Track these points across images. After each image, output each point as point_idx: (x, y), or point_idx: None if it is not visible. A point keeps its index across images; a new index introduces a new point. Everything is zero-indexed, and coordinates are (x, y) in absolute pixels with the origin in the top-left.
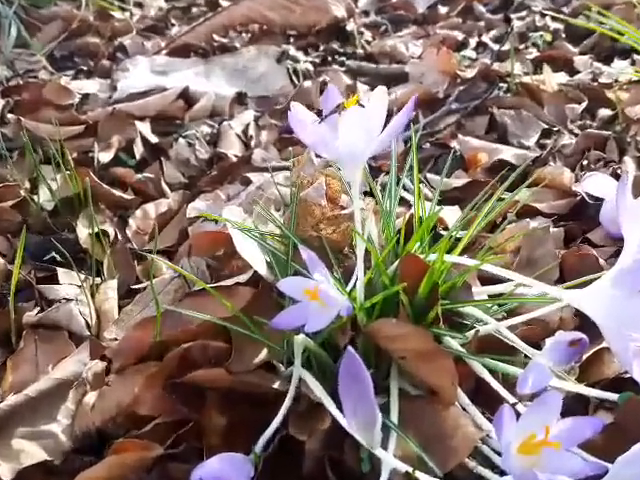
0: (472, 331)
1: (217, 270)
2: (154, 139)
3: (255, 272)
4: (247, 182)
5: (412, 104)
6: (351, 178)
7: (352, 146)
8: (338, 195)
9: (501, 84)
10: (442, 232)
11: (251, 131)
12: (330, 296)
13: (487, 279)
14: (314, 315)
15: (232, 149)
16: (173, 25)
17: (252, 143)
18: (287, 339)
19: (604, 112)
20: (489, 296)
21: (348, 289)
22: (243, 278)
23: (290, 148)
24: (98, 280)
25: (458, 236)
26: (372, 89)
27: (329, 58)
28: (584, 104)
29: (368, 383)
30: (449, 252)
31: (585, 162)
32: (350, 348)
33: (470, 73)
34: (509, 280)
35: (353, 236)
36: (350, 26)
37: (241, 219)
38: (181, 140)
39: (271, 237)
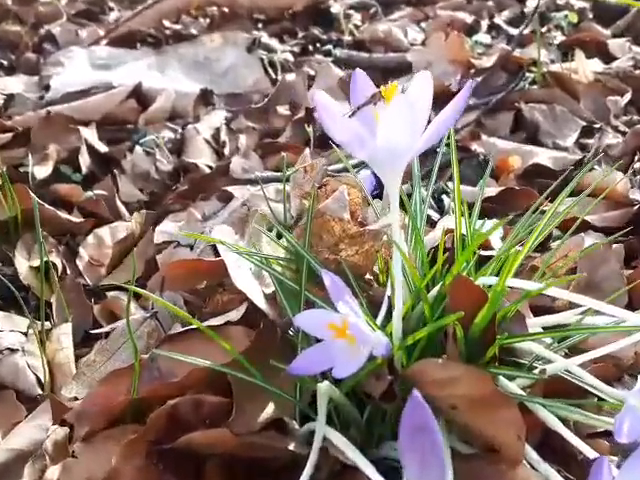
0: (537, 371)
1: (197, 307)
2: (103, 148)
3: (249, 308)
4: (227, 198)
5: (467, 91)
6: (390, 183)
7: (395, 143)
8: (359, 208)
9: (526, 74)
10: (482, 252)
11: (223, 136)
12: (362, 332)
13: (537, 308)
14: (342, 356)
15: (202, 158)
16: (111, 9)
17: (226, 150)
18: (302, 388)
19: None
20: (547, 328)
21: (378, 321)
22: (234, 315)
23: (283, 154)
24: (47, 325)
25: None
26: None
27: (310, 47)
28: (628, 95)
29: (438, 436)
30: (496, 275)
31: (638, 164)
32: (416, 393)
33: (487, 62)
34: (564, 309)
35: (378, 258)
36: (335, 8)
37: (233, 241)
38: (137, 149)
39: (275, 262)
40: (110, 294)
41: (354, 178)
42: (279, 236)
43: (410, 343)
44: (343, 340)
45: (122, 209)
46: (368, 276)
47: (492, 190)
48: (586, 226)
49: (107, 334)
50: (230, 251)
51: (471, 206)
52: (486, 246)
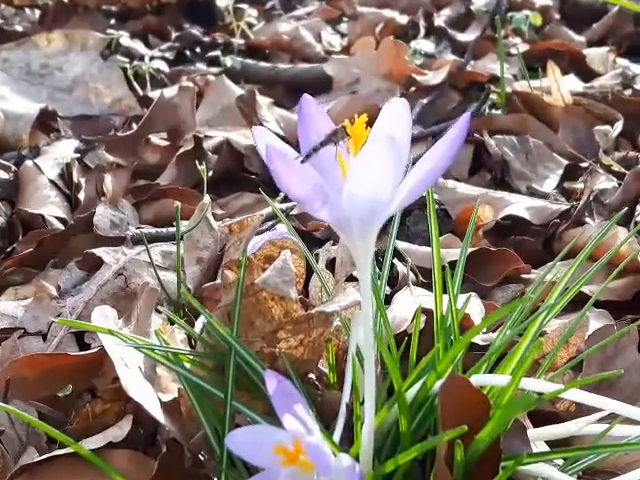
0: None
1: (58, 423)
2: None
3: (137, 421)
4: (93, 264)
5: (465, 125)
6: (359, 251)
7: (370, 198)
8: (299, 282)
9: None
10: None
11: (76, 175)
12: (323, 456)
13: (534, 413)
14: None
15: (48, 207)
16: None
17: (81, 196)
18: None
19: None
20: (553, 442)
21: (335, 440)
22: (117, 434)
23: (177, 203)
24: None
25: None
26: (278, 103)
27: (188, 52)
28: (619, 124)
29: None
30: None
31: None
32: None
33: (434, 78)
34: (567, 414)
35: (328, 349)
36: (221, 1)
37: (116, 327)
38: None
39: (185, 358)
40: None
41: (294, 240)
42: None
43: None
44: (294, 468)
45: None
46: (314, 374)
47: (457, 252)
48: (583, 298)
49: None
50: (117, 342)
51: (429, 274)
52: (465, 326)
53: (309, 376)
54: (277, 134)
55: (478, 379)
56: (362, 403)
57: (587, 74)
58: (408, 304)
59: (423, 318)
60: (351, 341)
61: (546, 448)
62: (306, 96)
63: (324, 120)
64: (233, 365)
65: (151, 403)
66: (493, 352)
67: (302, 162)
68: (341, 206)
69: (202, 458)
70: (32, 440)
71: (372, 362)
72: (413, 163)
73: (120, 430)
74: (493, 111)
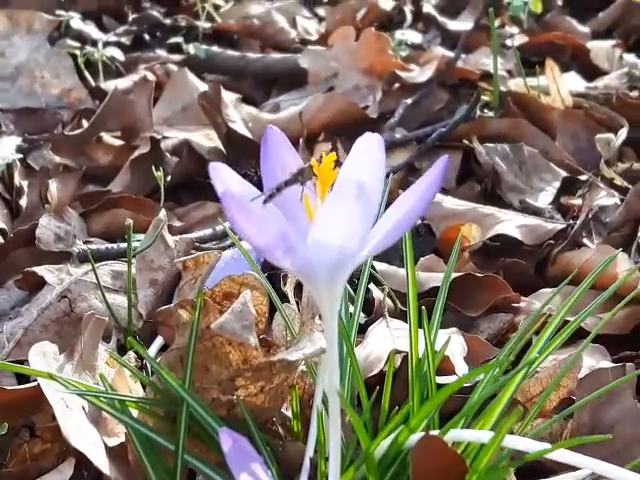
0: None
1: None
2: None
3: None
4: (34, 284)
5: (443, 168)
6: (325, 301)
7: (337, 247)
8: (262, 321)
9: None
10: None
11: (18, 178)
12: None
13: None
14: None
15: None
16: None
17: (22, 202)
18: None
19: None
20: None
21: None
22: None
23: (129, 220)
24: None
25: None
26: (246, 97)
27: (147, 37)
28: (623, 131)
29: None
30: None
31: None
32: None
33: (420, 75)
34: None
35: (292, 396)
36: None
37: (57, 364)
38: None
39: (135, 407)
40: None
41: (256, 276)
42: (122, 348)
43: None
44: None
45: None
46: (274, 423)
47: (439, 277)
48: (579, 332)
49: None
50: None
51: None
52: (445, 369)
53: (270, 425)
54: (244, 136)
55: (456, 434)
56: (327, 459)
57: (590, 71)
58: (383, 339)
59: (398, 360)
60: (316, 392)
61: None
62: (272, 127)
63: (290, 154)
64: (185, 416)
65: (95, 451)
66: (471, 406)
67: (264, 202)
68: (306, 254)
69: None
70: None
71: (337, 423)
72: (393, 173)
73: (60, 475)
74: (485, 112)
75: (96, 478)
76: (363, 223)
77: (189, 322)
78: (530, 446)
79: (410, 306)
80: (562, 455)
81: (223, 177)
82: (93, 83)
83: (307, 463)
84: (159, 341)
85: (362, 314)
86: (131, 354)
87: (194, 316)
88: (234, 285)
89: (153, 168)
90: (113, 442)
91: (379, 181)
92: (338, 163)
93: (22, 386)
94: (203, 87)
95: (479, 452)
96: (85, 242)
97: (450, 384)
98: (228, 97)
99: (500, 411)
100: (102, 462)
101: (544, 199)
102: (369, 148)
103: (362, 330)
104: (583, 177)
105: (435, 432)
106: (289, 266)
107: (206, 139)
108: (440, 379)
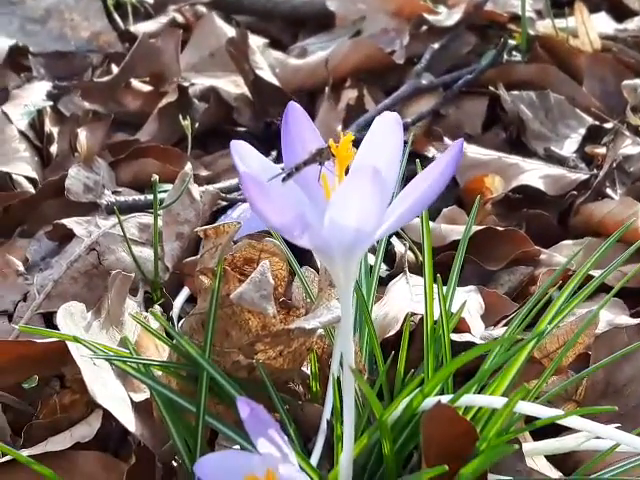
0: None
1: (23, 416)
2: None
3: (106, 417)
4: (63, 235)
5: (458, 152)
6: (341, 279)
7: (352, 229)
8: (282, 283)
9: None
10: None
11: (48, 125)
12: None
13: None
14: None
15: (16, 164)
16: None
17: (53, 149)
18: None
19: None
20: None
21: (313, 462)
22: (86, 432)
23: (155, 176)
24: None
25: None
26: (273, 39)
27: None
28: None
29: None
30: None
31: None
32: None
33: (448, 18)
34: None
35: (311, 359)
36: None
37: (85, 322)
38: None
39: (159, 368)
40: None
41: (275, 242)
42: (149, 300)
43: None
44: None
45: None
46: (295, 383)
47: (461, 230)
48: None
49: None
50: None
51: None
52: (462, 329)
53: (291, 384)
54: (271, 84)
55: (468, 400)
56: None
57: (621, 11)
58: (402, 298)
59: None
60: (333, 358)
61: (544, 463)
62: (293, 104)
63: (310, 130)
64: (206, 379)
65: (120, 408)
66: (484, 373)
67: (283, 180)
68: (322, 234)
69: (175, 464)
70: None
71: (351, 397)
72: (413, 123)
73: (89, 427)
74: (514, 54)
75: (124, 430)
76: (378, 205)
77: (210, 288)
78: (541, 412)
79: (426, 271)
80: (572, 422)
81: (243, 155)
82: (122, 26)
83: (324, 425)
84: (185, 292)
85: (385, 266)
86: (157, 307)
87: (214, 284)
88: (254, 251)
89: (180, 117)
90: (139, 398)
91: (396, 161)
92: (363, 110)
93: (52, 339)
94: (231, 32)
95: (490, 418)
96: (114, 192)
97: (465, 353)
98: (255, 42)
99: (515, 373)
100: (127, 419)
101: (569, 147)
102: (387, 128)
103: (385, 283)
104: (609, 125)
105: (448, 397)
106: (306, 244)
107: (233, 86)
108: (456, 337)
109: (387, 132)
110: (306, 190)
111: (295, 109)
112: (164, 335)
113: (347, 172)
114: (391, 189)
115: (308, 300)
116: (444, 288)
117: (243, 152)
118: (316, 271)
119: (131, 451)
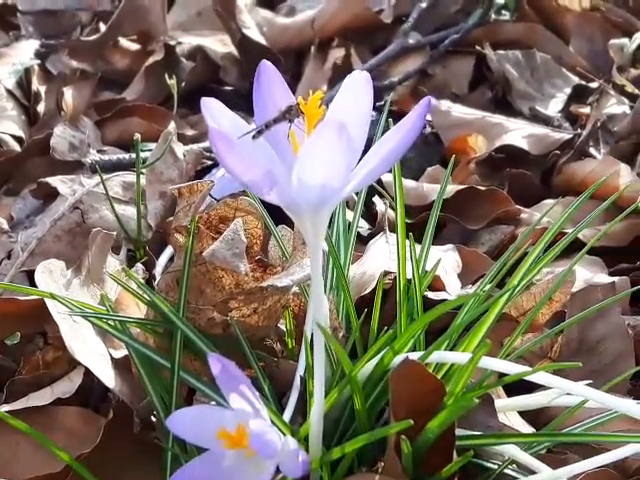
0: None
1: (7, 371)
2: None
3: (87, 374)
4: (48, 193)
5: (425, 108)
6: (310, 235)
7: (319, 185)
8: (258, 242)
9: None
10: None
11: (35, 84)
12: (267, 444)
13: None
14: (237, 475)
15: (3, 123)
16: None
17: (40, 108)
18: None
19: None
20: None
21: (286, 417)
22: (67, 388)
23: (137, 135)
24: None
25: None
26: (260, 0)
27: None
28: (638, 36)
29: None
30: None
31: None
32: None
33: None
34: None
35: (285, 316)
36: None
37: (65, 280)
38: None
39: (136, 325)
40: None
41: (250, 201)
42: (132, 259)
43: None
44: (238, 451)
45: None
46: (270, 339)
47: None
48: (576, 244)
49: None
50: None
51: (415, 211)
52: (437, 287)
53: (267, 340)
54: (258, 43)
55: (438, 356)
56: None
57: None
58: (380, 256)
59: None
60: (307, 316)
61: (517, 419)
62: (265, 62)
63: (282, 90)
64: (180, 337)
65: (99, 365)
66: (455, 329)
67: (253, 138)
68: (290, 191)
69: (153, 419)
70: None
71: (322, 353)
72: (400, 82)
73: (70, 383)
74: (502, 14)
75: (105, 386)
76: (345, 161)
77: (184, 246)
78: (510, 368)
79: (398, 229)
80: (541, 378)
81: (214, 112)
82: None
83: (297, 382)
84: (169, 250)
85: (367, 225)
86: (139, 266)
87: (188, 242)
88: (229, 209)
89: (166, 76)
90: (119, 354)
91: (364, 120)
92: (350, 69)
93: (34, 297)
94: None
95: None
96: (99, 151)
97: (436, 308)
98: (243, 1)
99: (487, 329)
100: (106, 375)
101: (554, 107)
102: (357, 87)
103: (366, 241)
104: (595, 84)
105: (417, 354)
106: (275, 201)
107: (221, 45)
108: (432, 294)
109: (357, 91)
110: (276, 148)
111: (267, 68)
112: (139, 294)
113: None
114: (360, 146)
115: (284, 258)
116: (419, 247)
117: (214, 109)
118: (292, 229)
119: (111, 406)
